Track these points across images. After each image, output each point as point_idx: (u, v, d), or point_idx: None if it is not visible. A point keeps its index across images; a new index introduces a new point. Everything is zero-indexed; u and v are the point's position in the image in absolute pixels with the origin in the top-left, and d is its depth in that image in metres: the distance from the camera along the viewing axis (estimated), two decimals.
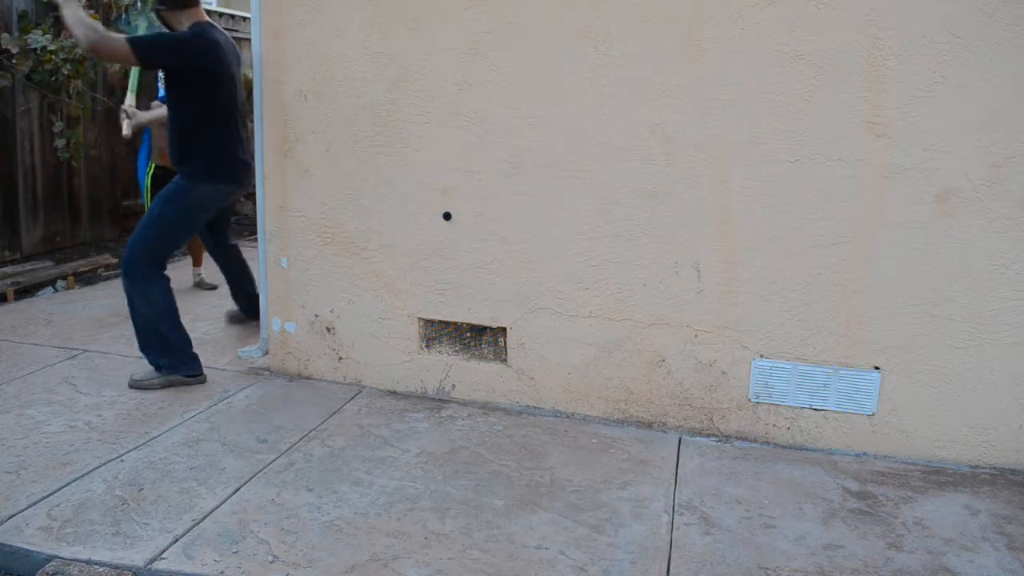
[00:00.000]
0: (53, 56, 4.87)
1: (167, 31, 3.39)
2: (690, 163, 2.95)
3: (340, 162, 3.36)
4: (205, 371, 3.47)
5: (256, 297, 3.99)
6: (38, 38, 4.85)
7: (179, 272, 4.95)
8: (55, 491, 2.49)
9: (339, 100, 3.30)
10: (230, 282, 4.26)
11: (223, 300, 4.63)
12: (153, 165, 4.71)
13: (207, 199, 3.43)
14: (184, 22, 3.33)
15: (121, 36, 3.22)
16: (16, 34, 4.89)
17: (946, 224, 2.78)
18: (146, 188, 4.75)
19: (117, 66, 5.22)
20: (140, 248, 3.30)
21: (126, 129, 4.20)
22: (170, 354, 3.37)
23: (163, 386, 3.34)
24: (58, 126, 5.21)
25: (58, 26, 5.05)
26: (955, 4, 2.64)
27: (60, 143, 5.25)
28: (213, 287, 5.01)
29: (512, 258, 3.21)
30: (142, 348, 3.40)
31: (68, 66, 4.97)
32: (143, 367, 3.47)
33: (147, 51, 3.17)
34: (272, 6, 3.31)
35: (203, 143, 3.38)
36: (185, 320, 3.49)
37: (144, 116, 4.30)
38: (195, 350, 3.47)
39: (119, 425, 2.98)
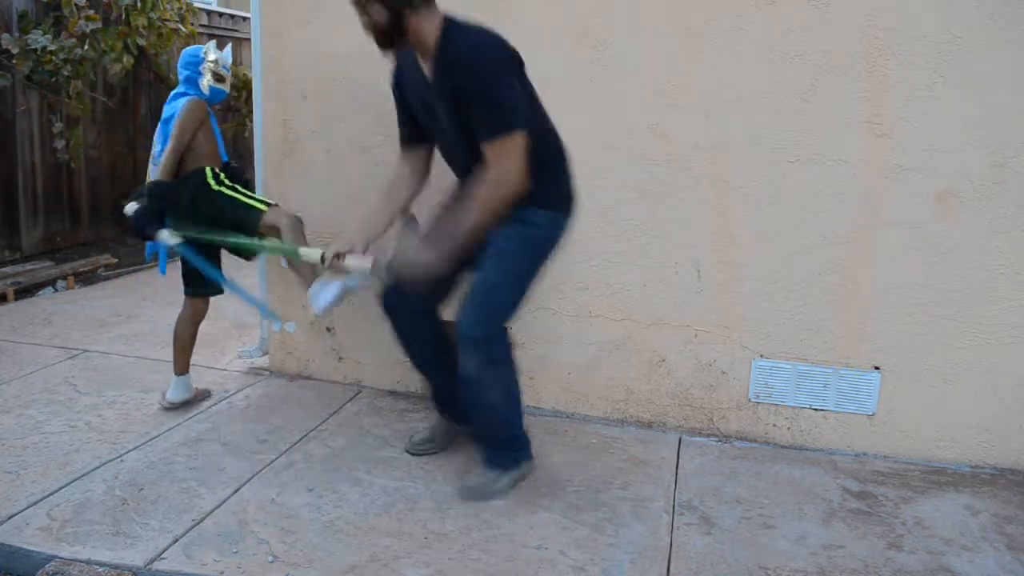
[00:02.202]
0: (53, 56, 4.86)
1: (487, 72, 2.26)
2: (690, 163, 2.95)
3: (340, 162, 3.36)
4: (205, 371, 3.47)
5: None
6: (38, 38, 4.85)
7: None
8: (55, 491, 2.48)
9: (339, 100, 3.30)
10: (436, 378, 2.79)
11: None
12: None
13: (557, 238, 2.51)
14: (435, 23, 2.31)
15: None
16: (16, 34, 4.88)
17: (946, 224, 2.78)
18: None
19: (119, 67, 5.20)
20: (496, 313, 2.40)
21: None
22: (520, 444, 2.63)
23: (512, 486, 2.57)
24: (58, 127, 5.21)
25: (58, 26, 5.06)
26: (955, 4, 2.64)
27: (60, 144, 5.25)
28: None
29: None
30: (490, 454, 2.57)
31: (68, 67, 4.96)
32: (474, 476, 2.58)
33: (517, 117, 2.26)
34: (272, 6, 3.31)
35: (542, 163, 2.37)
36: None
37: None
38: (197, 351, 3.23)
39: (119, 425, 2.98)
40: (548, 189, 2.44)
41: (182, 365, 3.16)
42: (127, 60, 5.22)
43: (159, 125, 3.11)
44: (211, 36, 6.67)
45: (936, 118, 2.72)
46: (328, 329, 3.50)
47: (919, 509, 2.58)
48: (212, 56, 3.06)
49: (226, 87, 3.13)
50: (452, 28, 2.31)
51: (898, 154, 2.77)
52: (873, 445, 2.97)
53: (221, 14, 6.95)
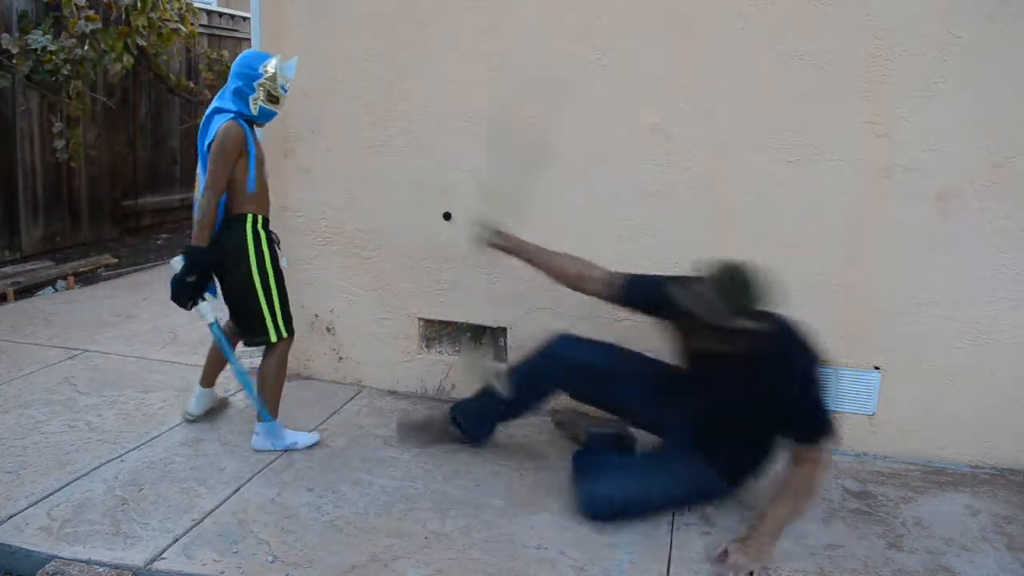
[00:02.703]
0: (53, 56, 4.87)
1: (808, 385, 2.29)
2: (690, 163, 2.95)
3: (340, 162, 3.36)
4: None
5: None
6: (38, 38, 4.85)
7: None
8: (55, 491, 2.48)
9: (339, 100, 3.30)
10: (491, 403, 2.81)
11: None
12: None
13: (708, 497, 2.53)
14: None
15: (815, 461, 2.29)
16: (16, 34, 4.89)
17: (946, 224, 2.77)
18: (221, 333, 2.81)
19: (119, 67, 5.20)
20: (623, 513, 2.45)
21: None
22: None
23: None
24: (58, 126, 5.21)
25: (58, 26, 5.06)
26: (955, 4, 2.64)
27: (60, 143, 5.25)
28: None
29: (512, 258, 3.19)
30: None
31: (68, 67, 4.96)
32: None
33: (830, 425, 2.29)
34: (272, 6, 3.31)
35: (756, 457, 2.48)
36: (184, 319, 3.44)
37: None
38: (197, 350, 3.15)
39: (119, 425, 2.98)
40: (736, 469, 2.49)
41: (209, 379, 3.06)
42: (127, 60, 5.22)
43: (201, 151, 2.68)
44: (211, 36, 6.68)
45: (936, 118, 2.71)
46: (328, 329, 3.50)
47: (919, 509, 2.58)
48: (272, 71, 2.62)
49: (279, 108, 2.70)
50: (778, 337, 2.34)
51: (898, 154, 2.77)
52: (873, 445, 2.97)
53: (221, 14, 6.95)
